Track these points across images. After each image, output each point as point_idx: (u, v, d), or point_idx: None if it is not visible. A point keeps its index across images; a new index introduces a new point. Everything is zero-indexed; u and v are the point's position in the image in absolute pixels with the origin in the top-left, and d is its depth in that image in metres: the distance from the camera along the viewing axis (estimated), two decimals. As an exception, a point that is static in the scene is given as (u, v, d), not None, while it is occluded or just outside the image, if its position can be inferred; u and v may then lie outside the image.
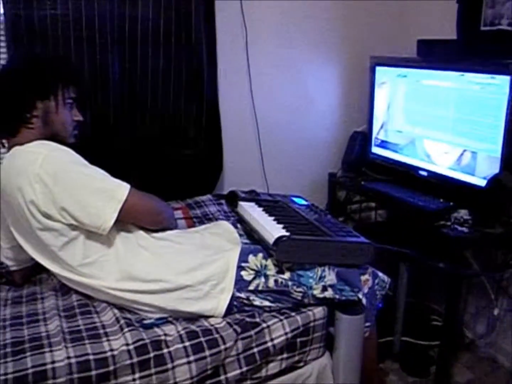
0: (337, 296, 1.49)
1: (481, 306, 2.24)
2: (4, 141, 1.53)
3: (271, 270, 1.46)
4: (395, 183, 2.22)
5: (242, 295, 1.44)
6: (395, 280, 2.00)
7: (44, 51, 1.86)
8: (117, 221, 1.40)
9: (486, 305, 2.20)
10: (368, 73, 2.37)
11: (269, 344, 1.40)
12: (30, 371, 1.18)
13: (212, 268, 1.45)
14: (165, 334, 1.33)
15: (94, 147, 1.80)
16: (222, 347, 1.33)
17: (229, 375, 1.37)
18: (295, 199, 1.89)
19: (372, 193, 2.26)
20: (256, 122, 2.38)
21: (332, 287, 1.49)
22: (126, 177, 1.48)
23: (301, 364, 1.50)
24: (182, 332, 1.35)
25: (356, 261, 1.53)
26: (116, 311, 1.42)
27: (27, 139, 1.44)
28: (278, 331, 1.42)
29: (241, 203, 1.75)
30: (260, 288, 1.45)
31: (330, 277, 1.48)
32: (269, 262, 1.47)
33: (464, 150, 1.94)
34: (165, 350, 1.29)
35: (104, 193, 1.40)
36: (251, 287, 1.45)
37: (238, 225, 1.73)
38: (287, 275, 1.46)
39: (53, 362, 1.21)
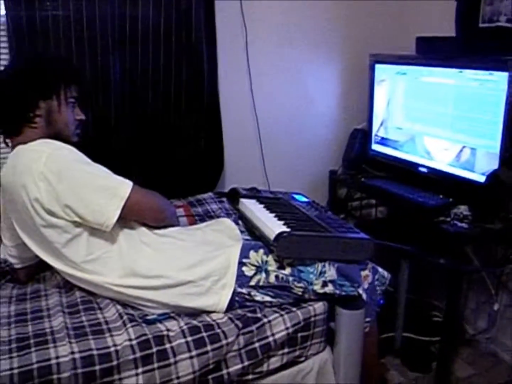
0: (337, 292, 1.51)
1: (482, 301, 2.25)
2: (8, 140, 1.55)
3: (272, 266, 1.48)
4: (395, 179, 2.23)
5: (244, 290, 1.46)
6: (396, 277, 2.01)
7: (46, 52, 1.88)
8: (120, 218, 1.41)
9: (486, 301, 2.21)
10: (367, 71, 2.39)
11: (270, 339, 1.42)
12: (35, 366, 1.19)
13: (213, 264, 1.46)
14: (168, 330, 1.35)
15: (96, 146, 1.82)
16: (224, 342, 1.35)
17: (230, 369, 1.38)
18: (296, 196, 1.90)
19: (372, 190, 2.27)
20: (256, 121, 2.40)
21: (333, 282, 1.50)
22: (128, 175, 1.49)
23: (302, 359, 1.52)
24: (184, 327, 1.36)
25: (356, 256, 1.54)
26: (119, 307, 1.44)
27: (30, 138, 1.46)
28: (279, 326, 1.43)
29: (242, 200, 1.77)
30: (261, 283, 1.46)
31: (331, 272, 1.50)
32: (270, 258, 1.48)
33: (463, 147, 1.95)
34: (168, 345, 1.31)
35: (107, 190, 1.41)
36: (252, 283, 1.46)
37: (240, 222, 1.75)
38: (287, 270, 1.48)
39: (57, 357, 1.22)
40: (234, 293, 1.45)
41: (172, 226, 1.62)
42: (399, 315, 2.18)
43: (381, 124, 2.39)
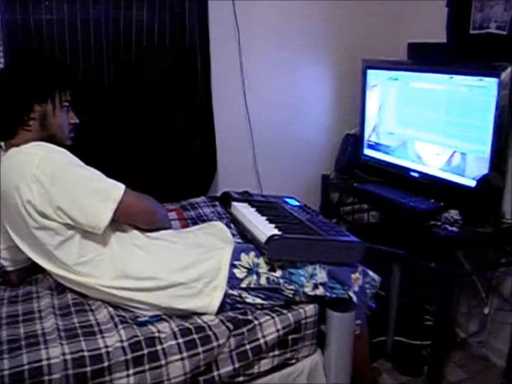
0: (328, 294, 1.52)
1: (473, 305, 2.26)
2: (1, 143, 1.55)
3: (263, 268, 1.49)
4: (387, 184, 2.25)
5: (235, 292, 1.47)
6: (387, 280, 2.02)
7: (41, 55, 1.88)
8: (112, 221, 1.42)
9: (477, 304, 2.22)
10: (360, 77, 2.41)
11: (261, 341, 1.43)
12: (26, 367, 1.19)
13: (205, 266, 1.47)
14: (159, 331, 1.35)
15: (89, 149, 1.82)
16: (215, 343, 1.36)
17: (222, 371, 1.39)
18: (287, 200, 1.92)
19: (364, 195, 2.29)
20: (249, 124, 2.41)
21: (323, 285, 1.51)
22: (121, 178, 1.50)
23: (293, 361, 1.52)
24: (176, 329, 1.37)
25: (346, 259, 1.55)
26: (110, 309, 1.44)
27: (24, 141, 1.47)
28: (270, 328, 1.44)
29: (234, 203, 1.78)
30: (252, 285, 1.47)
31: (321, 275, 1.51)
32: (261, 260, 1.49)
33: (454, 151, 1.98)
34: (159, 347, 1.31)
35: (100, 193, 1.42)
36: (243, 285, 1.47)
37: (232, 226, 1.76)
38: (278, 273, 1.49)
39: (48, 358, 1.22)
40: (225, 295, 1.46)
41: (164, 229, 1.63)
42: (391, 319, 2.19)
43: (373, 129, 2.41)
